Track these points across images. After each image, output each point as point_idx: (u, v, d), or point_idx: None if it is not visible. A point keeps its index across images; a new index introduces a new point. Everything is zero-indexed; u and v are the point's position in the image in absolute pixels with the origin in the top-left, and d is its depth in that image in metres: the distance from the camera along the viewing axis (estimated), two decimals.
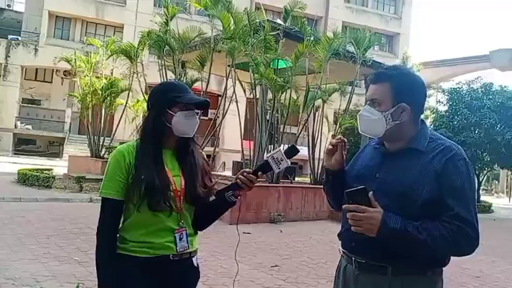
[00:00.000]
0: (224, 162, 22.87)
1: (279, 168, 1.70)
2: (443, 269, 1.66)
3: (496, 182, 37.19)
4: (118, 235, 1.75)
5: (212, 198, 1.83)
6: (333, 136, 12.09)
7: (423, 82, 1.71)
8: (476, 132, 15.68)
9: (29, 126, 25.54)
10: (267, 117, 10.76)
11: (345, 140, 1.74)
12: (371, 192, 1.51)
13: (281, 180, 10.20)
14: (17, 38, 25.57)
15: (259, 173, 1.74)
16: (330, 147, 1.74)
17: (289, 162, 1.71)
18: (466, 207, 1.51)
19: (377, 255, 1.57)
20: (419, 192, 1.53)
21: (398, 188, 1.57)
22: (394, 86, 1.63)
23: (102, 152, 14.66)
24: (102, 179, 1.76)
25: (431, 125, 18.30)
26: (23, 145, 25.89)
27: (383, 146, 1.72)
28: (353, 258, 1.67)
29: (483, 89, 16.53)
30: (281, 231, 7.91)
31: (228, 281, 4.48)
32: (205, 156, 1.94)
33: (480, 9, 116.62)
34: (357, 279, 1.66)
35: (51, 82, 27.72)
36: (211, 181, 1.86)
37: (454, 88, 17.33)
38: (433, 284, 1.62)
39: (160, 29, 11.57)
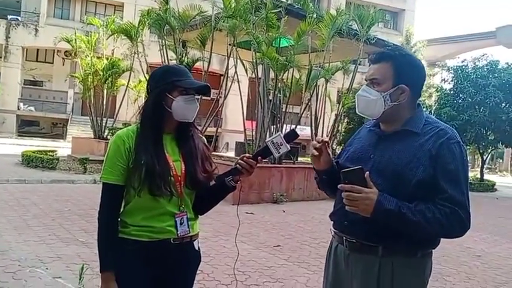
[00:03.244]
0: (227, 143, 22.87)
1: (279, 153, 1.70)
2: (438, 249, 1.68)
3: (500, 160, 37.14)
4: (119, 219, 1.76)
5: (212, 183, 1.83)
6: (336, 116, 12.04)
7: (423, 65, 1.72)
8: (481, 110, 15.54)
9: (32, 108, 25.58)
10: (270, 97, 10.69)
11: (327, 140, 1.72)
12: (367, 172, 1.51)
13: (283, 161, 10.20)
14: (17, 19, 25.35)
15: (259, 157, 1.74)
16: (315, 152, 1.68)
17: (289, 147, 1.70)
18: (459, 190, 1.53)
19: (369, 234, 1.59)
20: (414, 172, 1.53)
21: (392, 167, 1.57)
22: (396, 66, 1.62)
23: (105, 133, 14.70)
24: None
25: (435, 103, 18.11)
26: (26, 127, 25.99)
27: (378, 128, 1.73)
28: (344, 237, 1.68)
29: (489, 67, 16.28)
30: (284, 211, 7.96)
31: (230, 261, 4.54)
32: (205, 141, 1.93)
33: None
34: (348, 259, 1.68)
35: (52, 63, 27.64)
36: (212, 166, 1.85)
37: (459, 66, 17.08)
38: (423, 264, 1.64)
39: (160, 7, 11.40)
